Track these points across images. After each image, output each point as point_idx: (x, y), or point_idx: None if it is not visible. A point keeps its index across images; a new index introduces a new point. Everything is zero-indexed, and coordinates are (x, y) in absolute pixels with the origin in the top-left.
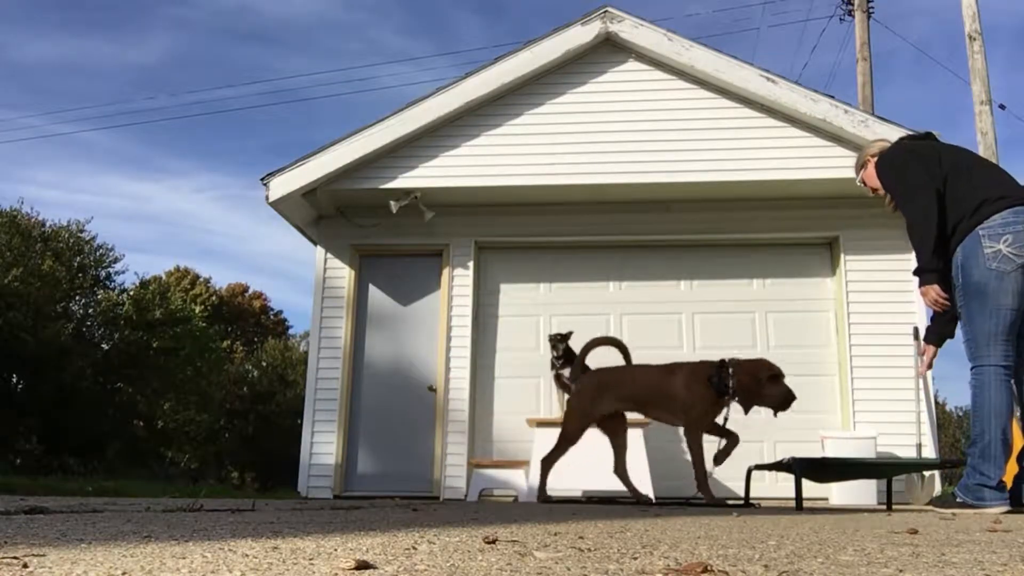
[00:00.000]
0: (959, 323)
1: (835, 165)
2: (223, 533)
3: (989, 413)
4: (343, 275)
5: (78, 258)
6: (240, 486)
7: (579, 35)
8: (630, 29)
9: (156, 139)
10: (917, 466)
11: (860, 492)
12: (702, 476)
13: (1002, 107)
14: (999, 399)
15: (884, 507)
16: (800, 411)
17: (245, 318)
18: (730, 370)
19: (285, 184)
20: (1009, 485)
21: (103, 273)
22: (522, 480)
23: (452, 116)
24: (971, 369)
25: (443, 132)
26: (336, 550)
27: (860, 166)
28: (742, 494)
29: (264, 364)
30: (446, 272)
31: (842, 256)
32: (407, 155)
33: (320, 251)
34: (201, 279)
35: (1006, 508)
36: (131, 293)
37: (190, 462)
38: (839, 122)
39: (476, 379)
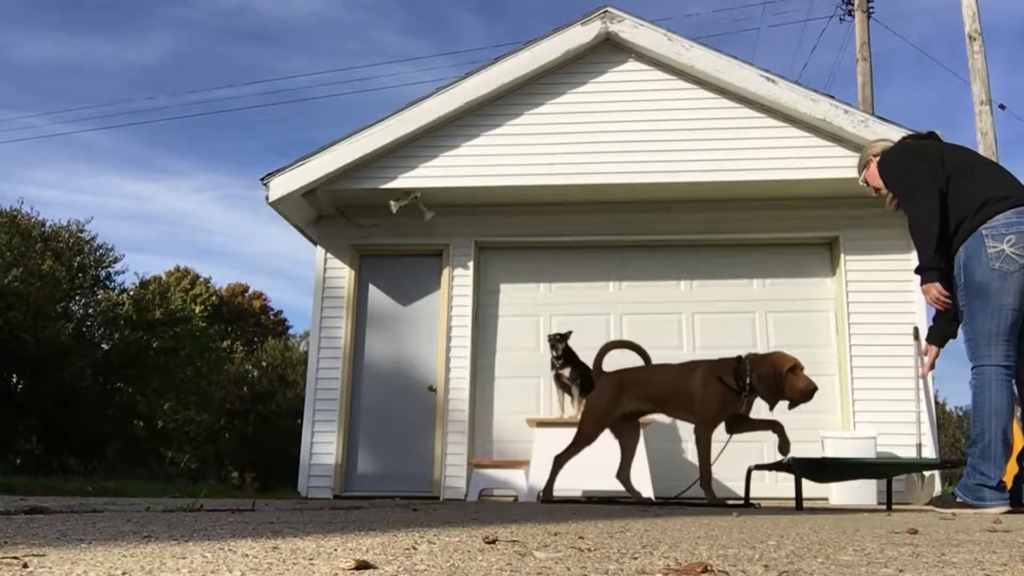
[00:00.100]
0: (961, 323)
1: (835, 165)
2: (223, 533)
3: (990, 413)
4: (343, 275)
5: (78, 258)
6: (240, 486)
7: (579, 35)
8: (630, 29)
9: (156, 139)
10: (917, 466)
11: (860, 492)
12: (707, 475)
13: (1002, 107)
14: (1000, 399)
15: (884, 507)
16: (800, 411)
17: (245, 318)
18: (747, 366)
19: (285, 184)
20: (1009, 485)
21: (103, 273)
22: (522, 480)
23: (452, 116)
24: (972, 369)
25: (443, 132)
26: (336, 550)
27: (862, 166)
28: (742, 494)
29: (264, 364)
30: (446, 272)
31: (842, 256)
32: (407, 155)
33: (320, 251)
34: (201, 279)
35: (1006, 508)
36: (131, 293)
37: (190, 462)
38: (839, 122)
39: (476, 379)
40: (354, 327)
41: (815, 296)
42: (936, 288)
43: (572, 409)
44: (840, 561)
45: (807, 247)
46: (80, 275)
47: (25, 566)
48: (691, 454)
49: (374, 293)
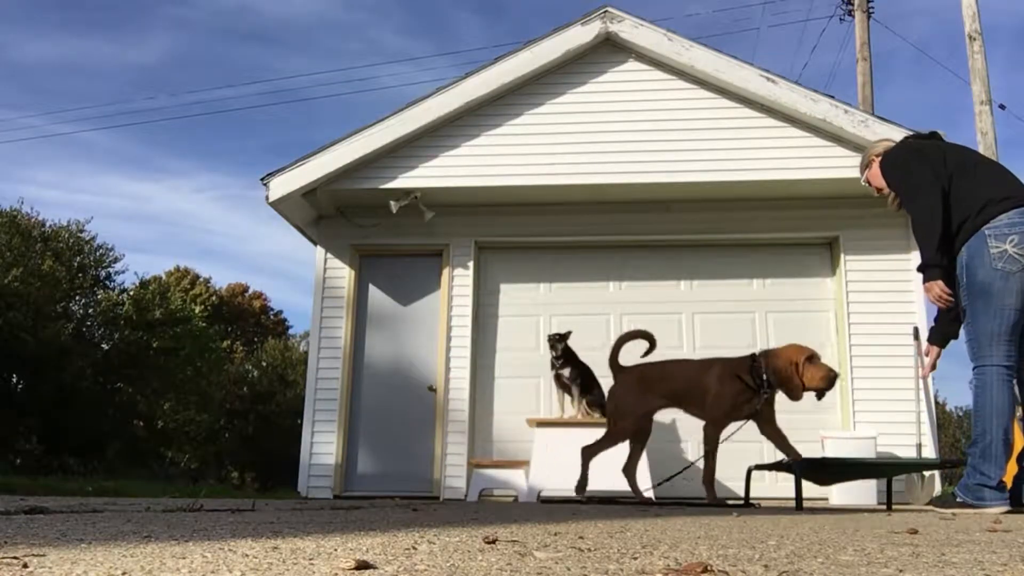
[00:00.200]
0: (963, 323)
1: (835, 165)
2: (223, 533)
3: (991, 413)
4: (343, 275)
5: (78, 258)
6: (240, 486)
7: (579, 35)
8: (630, 29)
9: (156, 139)
10: (917, 466)
11: (860, 492)
12: (710, 474)
13: (1002, 107)
14: (1001, 399)
15: (884, 507)
16: (800, 411)
17: (245, 318)
18: (762, 362)
19: (285, 184)
20: (1009, 485)
21: (103, 273)
22: (522, 480)
23: (452, 116)
24: (973, 369)
25: (443, 132)
26: (336, 550)
27: (864, 166)
28: (742, 494)
29: (264, 364)
30: (446, 272)
31: (842, 256)
32: (407, 155)
33: (320, 251)
34: (201, 279)
35: (1006, 508)
36: (131, 293)
37: (190, 462)
38: (839, 122)
39: (476, 379)
40: (354, 327)
41: (815, 296)
42: (938, 286)
43: (572, 409)
44: (840, 561)
45: (807, 247)
46: (80, 275)
47: (25, 566)
48: (691, 454)
49: (374, 293)
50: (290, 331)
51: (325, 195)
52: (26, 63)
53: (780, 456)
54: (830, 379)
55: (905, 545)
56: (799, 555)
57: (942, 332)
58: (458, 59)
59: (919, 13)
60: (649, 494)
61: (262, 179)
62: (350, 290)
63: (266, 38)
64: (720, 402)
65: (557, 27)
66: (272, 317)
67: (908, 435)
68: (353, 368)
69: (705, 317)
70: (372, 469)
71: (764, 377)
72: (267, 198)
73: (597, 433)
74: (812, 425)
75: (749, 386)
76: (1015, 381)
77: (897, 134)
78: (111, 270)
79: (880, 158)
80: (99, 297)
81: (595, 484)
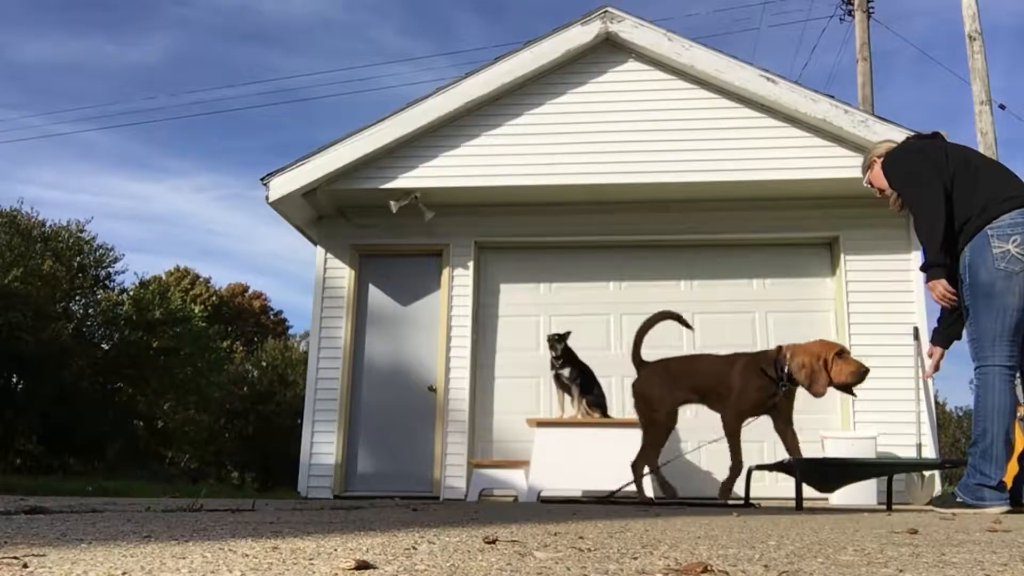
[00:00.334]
0: (965, 323)
1: (835, 165)
2: (223, 533)
3: (992, 413)
4: (343, 275)
5: (78, 258)
6: (240, 486)
7: (579, 35)
8: (630, 29)
9: (156, 139)
10: (917, 466)
11: (860, 492)
12: (734, 474)
13: (1002, 107)
14: (1003, 400)
15: (884, 507)
16: (800, 411)
17: (245, 318)
18: (787, 355)
19: (285, 184)
20: (1009, 485)
21: (103, 273)
22: (522, 480)
23: (452, 116)
24: (975, 369)
25: (443, 132)
26: (336, 550)
27: (867, 167)
28: (742, 494)
29: (264, 364)
30: (446, 272)
31: (842, 256)
32: (407, 155)
33: (320, 251)
34: (201, 279)
35: (1006, 508)
36: (131, 293)
37: (190, 462)
38: (839, 122)
39: (476, 379)
40: (354, 327)
41: (815, 296)
42: (942, 285)
43: (572, 409)
44: (840, 561)
45: (807, 247)
46: (80, 275)
47: (25, 566)
48: (692, 454)
49: (374, 293)
50: (290, 331)
51: (325, 195)
52: (26, 63)
53: (781, 456)
54: (861, 374)
55: (905, 545)
56: (799, 555)
57: (945, 333)
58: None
59: (919, 13)
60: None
61: (262, 179)
62: (350, 290)
63: (266, 38)
64: (744, 395)
65: (557, 27)
66: (272, 317)
67: (908, 435)
68: (353, 368)
69: (705, 317)
70: (372, 469)
71: (785, 370)
72: (267, 198)
73: (597, 433)
74: (812, 425)
75: (772, 379)
76: (1017, 381)
77: (897, 134)
78: (111, 270)
79: (882, 159)
80: (99, 297)
81: (595, 484)
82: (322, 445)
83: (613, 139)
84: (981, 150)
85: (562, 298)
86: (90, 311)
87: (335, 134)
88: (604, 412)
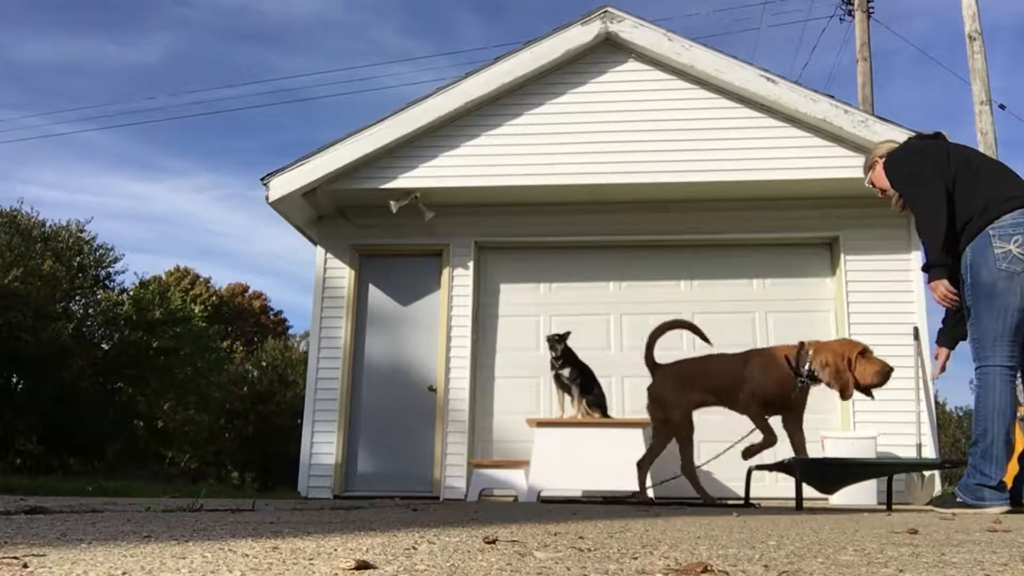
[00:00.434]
0: (967, 323)
1: (835, 165)
2: (223, 533)
3: (993, 413)
4: (343, 275)
5: (78, 258)
6: (240, 486)
7: (579, 35)
8: (630, 29)
9: (156, 139)
10: (917, 466)
11: (860, 492)
12: (765, 446)
13: (1002, 107)
14: (1003, 400)
15: (884, 507)
16: None
17: (245, 318)
18: (809, 352)
19: (285, 184)
20: (1009, 485)
21: (103, 273)
22: (522, 480)
23: (452, 116)
24: (976, 369)
25: (443, 132)
26: (336, 550)
27: (868, 167)
28: (742, 494)
29: (264, 364)
30: (446, 272)
31: (842, 256)
32: (407, 155)
33: (320, 251)
34: (201, 279)
35: (1006, 508)
36: (131, 293)
37: (190, 462)
38: (839, 122)
39: (476, 379)
40: (354, 327)
41: (815, 296)
42: (943, 285)
43: (572, 409)
44: (840, 561)
45: (807, 247)
46: (80, 275)
47: (25, 566)
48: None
49: (374, 293)
50: (290, 331)
51: (325, 195)
52: (26, 63)
53: (781, 456)
54: (885, 374)
55: (905, 545)
56: (799, 555)
57: (950, 334)
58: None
59: (919, 13)
60: (649, 493)
61: (262, 179)
62: (350, 290)
63: (266, 38)
64: (763, 386)
65: (557, 27)
66: (272, 317)
67: (908, 435)
68: (353, 368)
69: (705, 317)
70: (372, 469)
71: (807, 367)
72: (267, 198)
73: (597, 433)
74: (812, 425)
75: (793, 373)
76: (1018, 382)
77: (897, 134)
78: (111, 270)
79: (884, 159)
80: (99, 297)
81: (595, 484)
82: (322, 445)
83: (613, 139)
84: (981, 150)
85: (562, 298)
86: (90, 311)
87: (335, 134)
88: (604, 412)
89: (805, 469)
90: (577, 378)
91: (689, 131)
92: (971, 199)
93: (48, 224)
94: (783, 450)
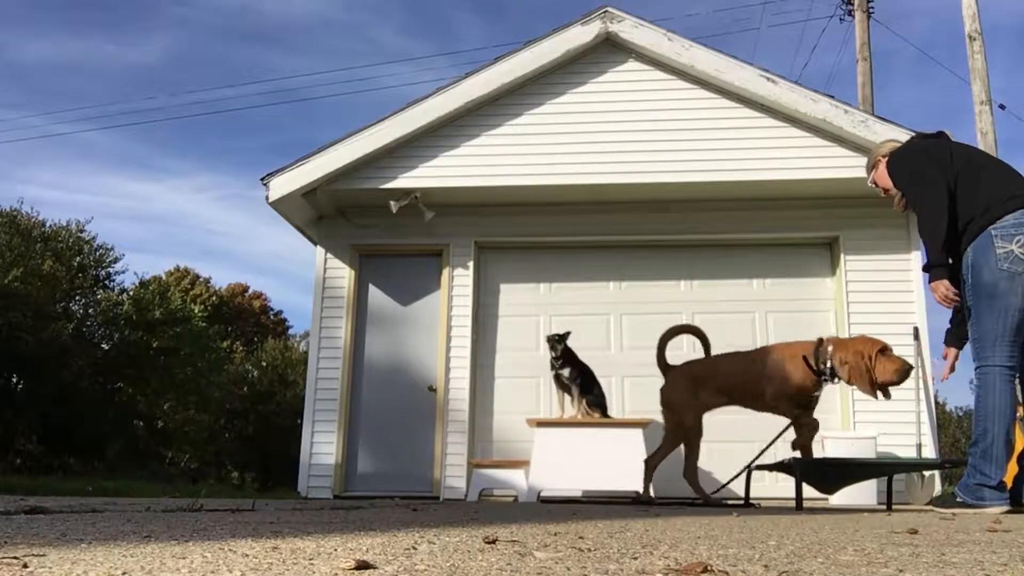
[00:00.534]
0: (967, 322)
1: (835, 165)
2: (223, 533)
3: (992, 413)
4: (343, 275)
5: (78, 258)
6: (240, 486)
7: (579, 35)
8: (630, 29)
9: (156, 139)
10: (917, 466)
11: (860, 492)
12: (808, 450)
13: (1002, 107)
14: (1003, 399)
15: (884, 507)
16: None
17: (245, 318)
18: (829, 348)
19: (285, 184)
20: (1009, 485)
21: (103, 273)
22: (522, 480)
23: (452, 116)
24: (975, 369)
25: (443, 132)
26: (336, 550)
27: (871, 167)
28: (742, 494)
29: (264, 364)
30: (446, 272)
31: (842, 256)
32: (407, 155)
33: (320, 251)
34: (201, 279)
35: (1006, 508)
36: (131, 293)
37: (190, 462)
38: (839, 122)
39: (476, 379)
40: (354, 327)
41: (815, 296)
42: (944, 285)
43: (572, 409)
44: (840, 561)
45: (807, 247)
46: (80, 275)
47: (25, 566)
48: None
49: (374, 293)
50: (290, 331)
51: (325, 195)
52: (26, 63)
53: (781, 455)
54: (904, 372)
55: (905, 545)
56: (799, 555)
57: (956, 333)
58: (458, 59)
59: (919, 13)
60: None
61: (262, 179)
62: (350, 290)
63: (266, 38)
64: (786, 383)
65: (557, 27)
66: (272, 317)
67: (908, 435)
68: (353, 368)
69: (705, 317)
70: (372, 469)
71: (828, 365)
72: (267, 198)
73: (597, 433)
74: None
75: (813, 370)
76: (1017, 381)
77: (897, 134)
78: (111, 270)
79: (887, 159)
80: (99, 297)
81: (595, 484)
82: (322, 445)
83: (613, 139)
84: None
85: (562, 298)
86: (90, 311)
87: (335, 134)
88: (604, 412)
89: (805, 469)
90: (577, 378)
91: (689, 131)
92: (973, 198)
93: (48, 224)
94: (783, 450)
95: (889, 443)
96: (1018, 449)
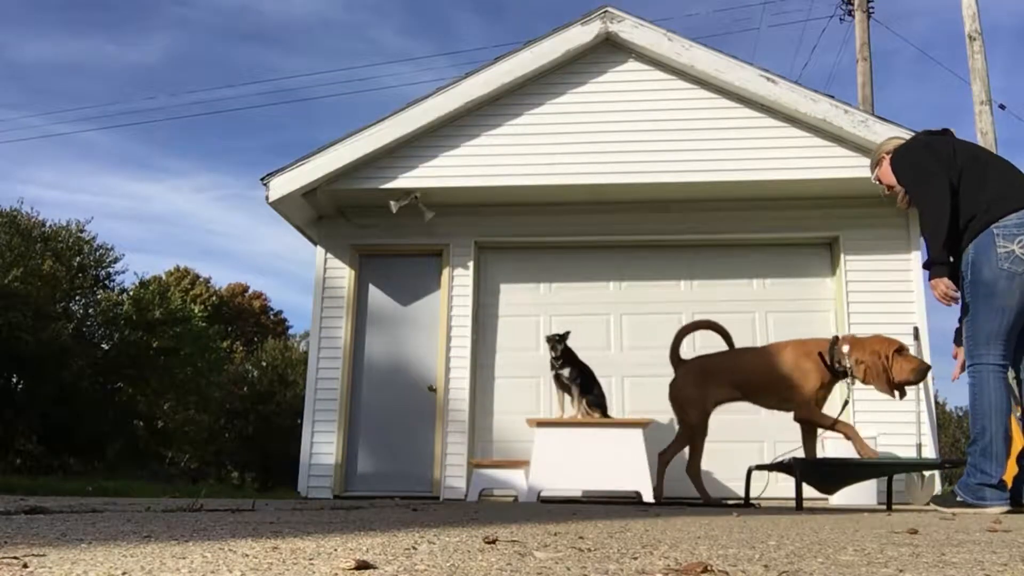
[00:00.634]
0: (964, 318)
1: (835, 165)
2: (223, 533)
3: (989, 411)
4: (343, 275)
5: (78, 258)
6: (240, 486)
7: (579, 35)
8: (630, 29)
9: (156, 139)
10: (917, 466)
11: (860, 492)
12: (856, 438)
13: (1002, 107)
14: (999, 397)
15: (884, 507)
16: None
17: (245, 318)
18: (844, 348)
19: (285, 184)
20: (1009, 485)
21: (103, 273)
22: (522, 480)
23: (452, 116)
24: (969, 367)
25: (443, 132)
26: (336, 550)
27: (875, 164)
28: (742, 494)
29: (264, 364)
30: (446, 272)
31: (842, 256)
32: (407, 155)
33: (320, 251)
34: (201, 279)
35: (1006, 508)
36: (131, 293)
37: (190, 462)
38: (839, 122)
39: (476, 379)
40: (354, 327)
41: (815, 296)
42: (944, 283)
43: (572, 409)
44: (840, 561)
45: (807, 247)
46: (80, 275)
47: (25, 566)
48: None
49: (374, 293)
50: (290, 331)
51: (325, 195)
52: (26, 63)
53: (780, 457)
54: (921, 372)
55: (905, 545)
56: (799, 555)
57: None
58: (458, 59)
59: (919, 13)
60: (647, 493)
61: (262, 179)
62: (350, 290)
63: (266, 38)
64: (805, 382)
65: (557, 27)
66: (272, 317)
67: (908, 435)
68: (353, 368)
69: (705, 317)
70: (372, 469)
71: (844, 363)
72: (267, 198)
73: (597, 433)
74: None
75: (828, 368)
76: (1012, 379)
77: (897, 134)
78: (111, 270)
79: (890, 156)
80: (99, 297)
81: (595, 484)
82: (322, 445)
83: (613, 139)
84: None
85: (562, 298)
86: (90, 311)
87: (335, 134)
88: (604, 412)
89: (805, 469)
90: (577, 378)
91: (689, 131)
92: (976, 196)
93: (48, 224)
94: (782, 450)
95: (889, 443)
96: (1017, 449)
